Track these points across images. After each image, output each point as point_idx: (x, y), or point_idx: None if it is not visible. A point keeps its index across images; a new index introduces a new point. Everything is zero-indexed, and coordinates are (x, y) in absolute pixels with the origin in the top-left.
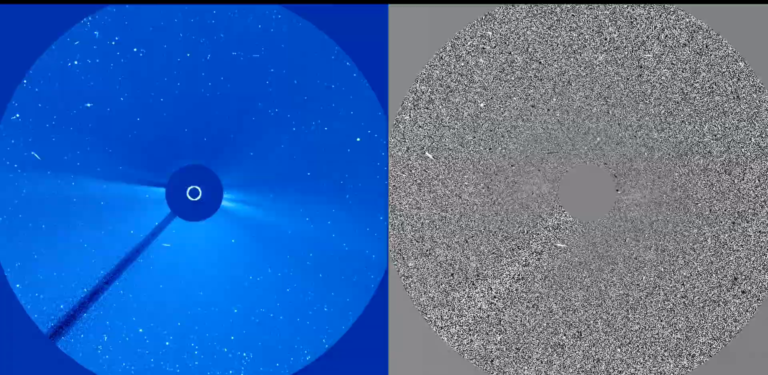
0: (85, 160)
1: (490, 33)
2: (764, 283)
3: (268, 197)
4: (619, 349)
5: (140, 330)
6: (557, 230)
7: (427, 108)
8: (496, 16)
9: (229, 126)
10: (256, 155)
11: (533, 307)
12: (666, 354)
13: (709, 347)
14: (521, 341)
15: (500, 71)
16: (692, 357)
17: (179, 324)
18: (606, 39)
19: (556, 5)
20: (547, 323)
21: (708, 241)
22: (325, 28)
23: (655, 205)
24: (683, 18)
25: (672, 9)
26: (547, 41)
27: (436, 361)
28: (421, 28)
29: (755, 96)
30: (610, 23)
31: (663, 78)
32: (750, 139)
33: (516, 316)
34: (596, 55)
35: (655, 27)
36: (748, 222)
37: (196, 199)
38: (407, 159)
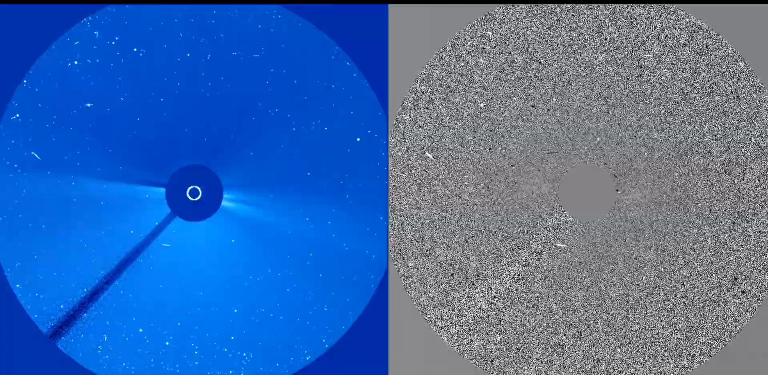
0: (85, 160)
1: (490, 33)
2: (764, 283)
3: (268, 197)
4: (619, 349)
5: (140, 330)
6: (557, 230)
7: (427, 108)
8: (496, 16)
9: (229, 126)
10: (256, 155)
11: (533, 307)
12: (666, 354)
13: (709, 347)
14: (521, 341)
15: (500, 71)
16: (692, 357)
17: (179, 324)
18: (606, 39)
19: (556, 5)
20: (547, 323)
21: (708, 241)
22: (325, 28)
23: (655, 205)
24: (683, 18)
25: (672, 9)
26: (547, 41)
27: (436, 361)
28: (421, 28)
29: (755, 96)
30: (610, 23)
31: (663, 78)
32: (750, 139)
33: (516, 316)
34: (596, 55)
35: (655, 27)
36: (748, 222)
37: (196, 199)
38: (407, 159)
